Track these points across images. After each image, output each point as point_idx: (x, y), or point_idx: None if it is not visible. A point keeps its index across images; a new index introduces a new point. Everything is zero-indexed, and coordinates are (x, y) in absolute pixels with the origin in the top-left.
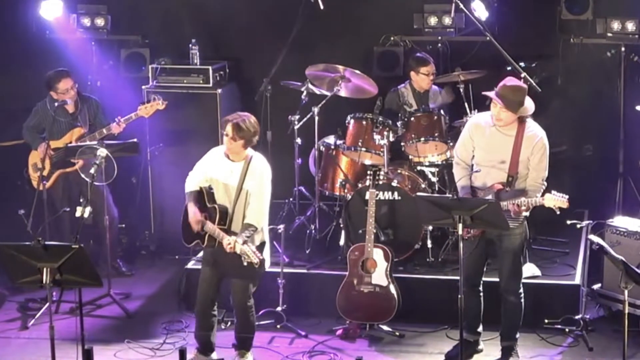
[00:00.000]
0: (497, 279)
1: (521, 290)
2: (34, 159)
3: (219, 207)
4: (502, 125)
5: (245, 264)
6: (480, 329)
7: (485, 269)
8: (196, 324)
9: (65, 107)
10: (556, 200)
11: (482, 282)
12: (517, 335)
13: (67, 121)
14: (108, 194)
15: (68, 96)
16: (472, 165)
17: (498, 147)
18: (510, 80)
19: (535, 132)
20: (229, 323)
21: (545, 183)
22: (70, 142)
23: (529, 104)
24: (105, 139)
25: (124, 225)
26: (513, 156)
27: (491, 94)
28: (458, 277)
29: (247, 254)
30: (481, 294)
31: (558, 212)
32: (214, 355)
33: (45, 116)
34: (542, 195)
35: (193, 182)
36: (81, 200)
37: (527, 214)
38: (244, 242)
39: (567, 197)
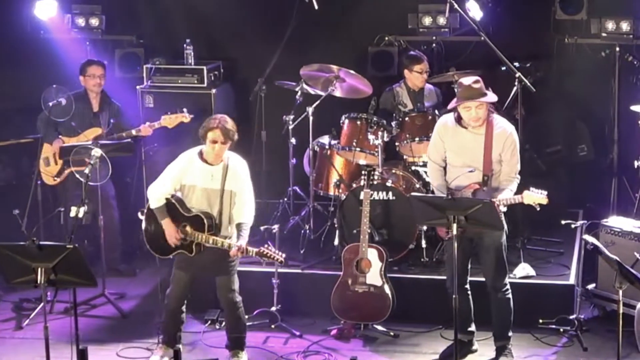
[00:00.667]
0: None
1: (508, 286)
2: (46, 153)
3: (204, 214)
4: (481, 124)
5: (264, 264)
6: (472, 328)
7: (470, 267)
8: (165, 320)
9: (65, 106)
10: (535, 197)
11: (469, 281)
12: (510, 334)
13: (89, 120)
14: (108, 194)
15: (94, 82)
16: (446, 165)
17: (469, 148)
18: (466, 80)
19: (504, 128)
20: (223, 323)
21: (519, 176)
22: (87, 140)
23: (490, 92)
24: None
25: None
26: (485, 156)
27: (454, 103)
28: (447, 278)
29: (267, 255)
30: (469, 293)
31: (538, 209)
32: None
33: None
34: (520, 191)
35: (161, 192)
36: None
37: (505, 209)
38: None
39: (545, 192)
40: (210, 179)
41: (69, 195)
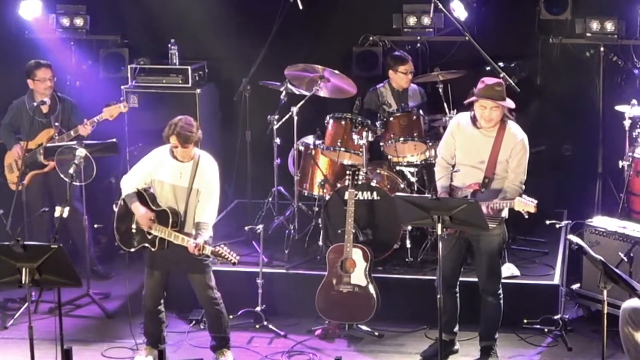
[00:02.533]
0: (475, 279)
1: (500, 290)
2: (9, 160)
3: (170, 210)
4: (492, 125)
5: (218, 263)
6: (456, 329)
7: (462, 269)
8: (146, 323)
9: (41, 107)
10: (525, 204)
11: (458, 283)
12: (497, 336)
13: (41, 121)
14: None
15: (45, 86)
16: (454, 164)
17: (478, 148)
18: (489, 80)
19: (515, 134)
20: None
21: (524, 187)
22: (42, 143)
23: (509, 98)
24: (76, 140)
25: (102, 225)
26: (491, 157)
27: (472, 97)
28: (436, 278)
29: (221, 255)
30: (457, 294)
31: (527, 217)
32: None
33: (21, 115)
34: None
35: (131, 184)
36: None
37: (506, 214)
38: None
39: (535, 202)
40: (179, 176)
41: (31, 198)
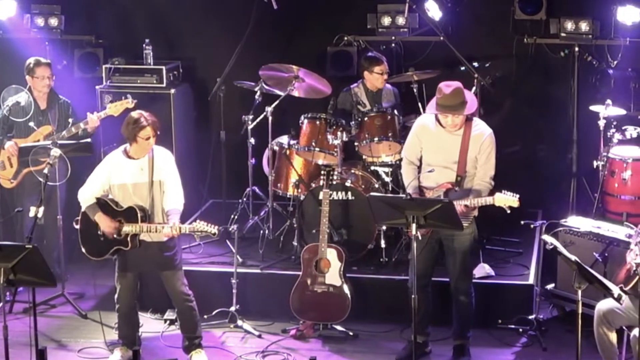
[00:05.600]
0: (447, 279)
1: (472, 289)
2: (0, 157)
3: (137, 206)
4: (458, 129)
5: (198, 240)
6: (428, 329)
7: (434, 269)
8: (120, 324)
9: (24, 106)
10: (507, 199)
11: (431, 282)
12: (470, 334)
13: (33, 119)
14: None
15: (43, 84)
16: (421, 164)
17: (446, 147)
18: (446, 87)
19: (482, 130)
20: None
21: (493, 182)
22: (38, 140)
23: (471, 99)
24: (77, 136)
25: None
26: (461, 155)
27: (432, 109)
28: (409, 278)
29: (199, 230)
30: (430, 294)
31: (509, 211)
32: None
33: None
34: (492, 194)
35: (90, 195)
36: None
37: (476, 213)
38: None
39: (517, 196)
40: (139, 172)
41: (26, 197)
